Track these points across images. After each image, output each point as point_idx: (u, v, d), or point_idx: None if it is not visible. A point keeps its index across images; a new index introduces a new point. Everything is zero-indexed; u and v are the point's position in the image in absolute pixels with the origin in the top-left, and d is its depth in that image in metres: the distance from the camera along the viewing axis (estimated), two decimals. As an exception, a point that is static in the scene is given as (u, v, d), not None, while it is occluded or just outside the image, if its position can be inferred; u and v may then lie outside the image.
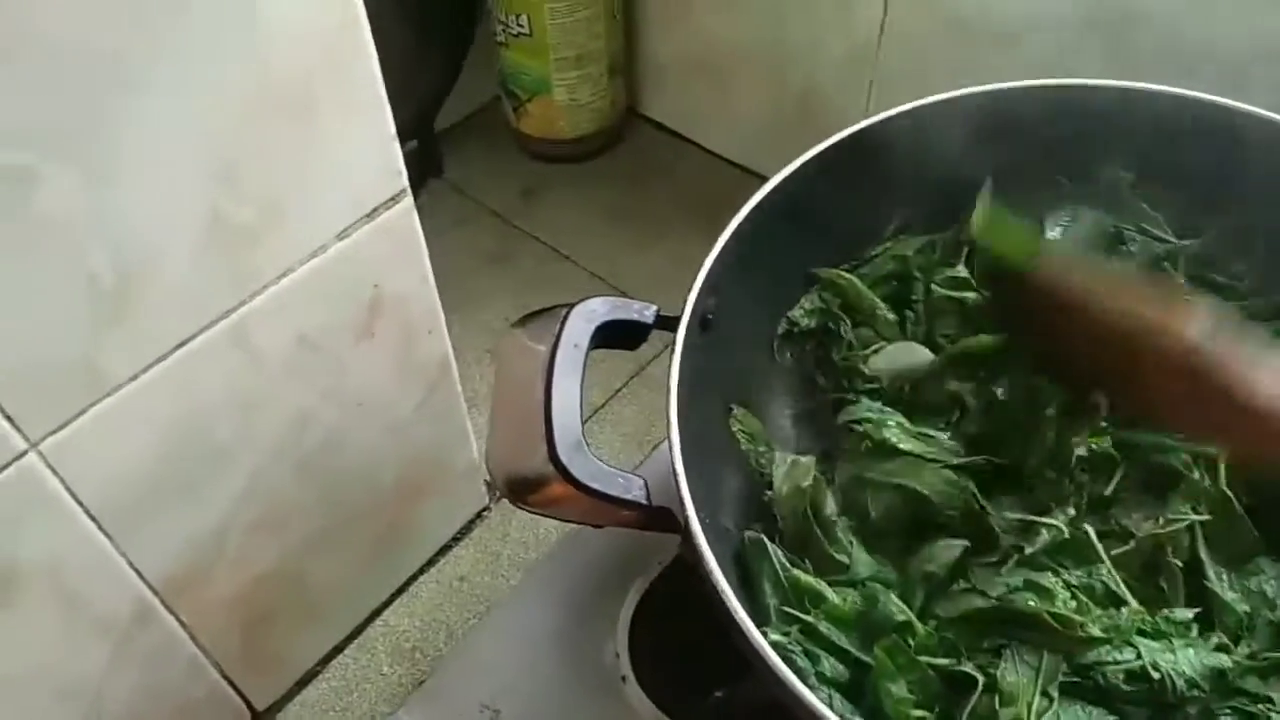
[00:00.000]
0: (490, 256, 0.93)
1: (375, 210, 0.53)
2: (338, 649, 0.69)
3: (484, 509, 0.76)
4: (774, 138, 0.92)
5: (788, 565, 0.47)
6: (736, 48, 0.91)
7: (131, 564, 0.51)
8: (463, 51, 0.95)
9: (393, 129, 0.51)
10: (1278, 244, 0.55)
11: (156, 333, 0.46)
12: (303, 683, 0.68)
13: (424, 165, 0.97)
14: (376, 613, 0.71)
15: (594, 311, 0.50)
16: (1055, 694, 0.43)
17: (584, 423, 0.81)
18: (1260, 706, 0.43)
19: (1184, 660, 0.44)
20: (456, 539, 0.75)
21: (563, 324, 0.49)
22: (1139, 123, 0.57)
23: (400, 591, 0.72)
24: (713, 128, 0.99)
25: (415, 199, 0.96)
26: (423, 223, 0.95)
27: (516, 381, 0.48)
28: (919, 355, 0.57)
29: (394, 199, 0.53)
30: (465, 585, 0.73)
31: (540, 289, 0.90)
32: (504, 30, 0.91)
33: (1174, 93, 0.56)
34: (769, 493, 0.52)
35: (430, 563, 0.74)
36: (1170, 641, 0.45)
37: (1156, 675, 0.43)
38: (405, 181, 0.53)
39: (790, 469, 0.52)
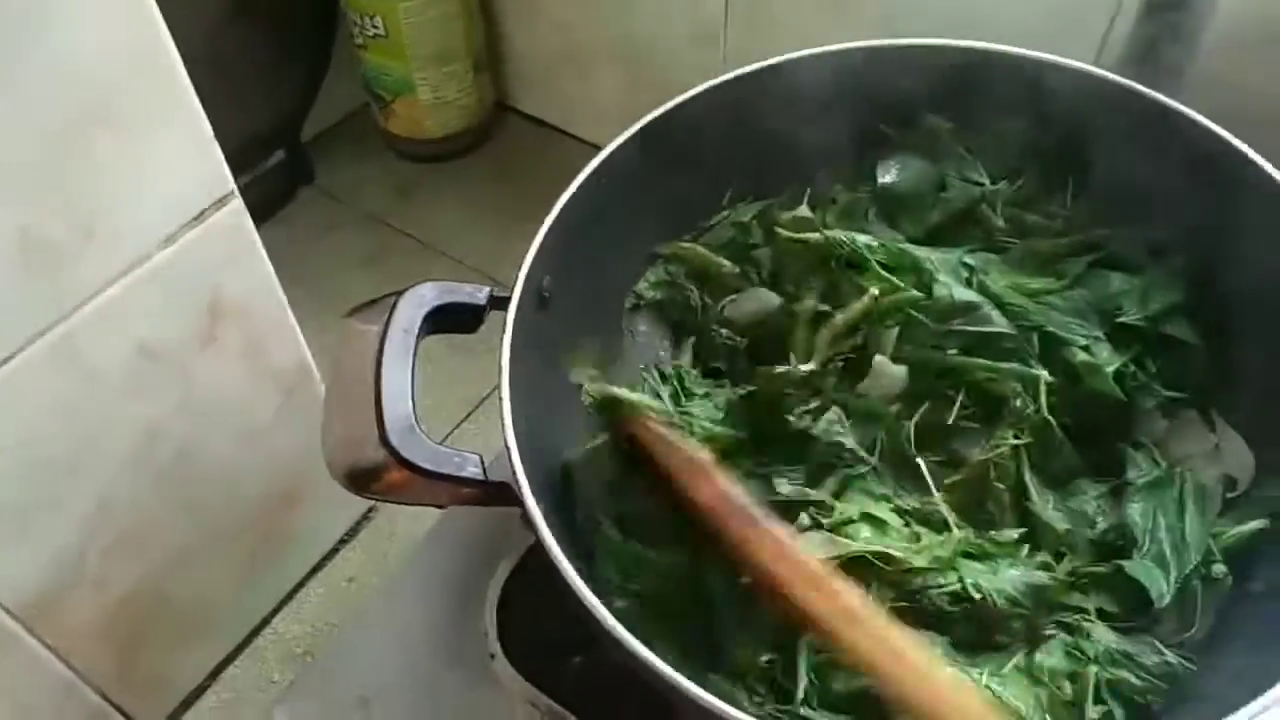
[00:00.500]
0: (365, 258, 0.93)
1: (202, 214, 0.53)
2: (227, 660, 0.69)
3: (370, 510, 0.76)
4: (639, 119, 0.93)
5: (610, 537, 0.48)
6: (594, 36, 0.92)
7: (-20, 590, 0.50)
8: (323, 59, 0.95)
9: (209, 131, 0.51)
10: (1085, 185, 0.58)
11: (-30, 355, 0.45)
12: (191, 698, 0.68)
13: (293, 173, 0.96)
14: (265, 621, 0.71)
15: (423, 297, 0.50)
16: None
17: (470, 414, 0.83)
18: (1077, 617, 0.46)
19: (1006, 580, 0.46)
20: (344, 541, 0.75)
21: (392, 310, 0.49)
22: (952, 75, 0.59)
23: (288, 598, 0.72)
24: (580, 116, 1.00)
25: (286, 207, 0.96)
26: (296, 230, 0.96)
27: (348, 372, 0.48)
28: (768, 299, 0.59)
29: (221, 201, 0.53)
30: (354, 586, 0.73)
31: None
32: (360, 32, 0.91)
33: (982, 47, 0.58)
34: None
35: (318, 567, 0.74)
36: (995, 563, 0.47)
37: (978, 596, 0.45)
38: (231, 183, 0.53)
39: None
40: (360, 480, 0.47)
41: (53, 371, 0.48)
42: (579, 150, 1.00)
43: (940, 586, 0.45)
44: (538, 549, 0.57)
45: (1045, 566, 0.47)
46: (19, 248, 0.45)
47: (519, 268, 0.52)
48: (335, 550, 0.74)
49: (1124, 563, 0.47)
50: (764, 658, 0.45)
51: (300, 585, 0.72)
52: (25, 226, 0.45)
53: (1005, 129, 0.59)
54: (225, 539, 0.64)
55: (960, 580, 0.45)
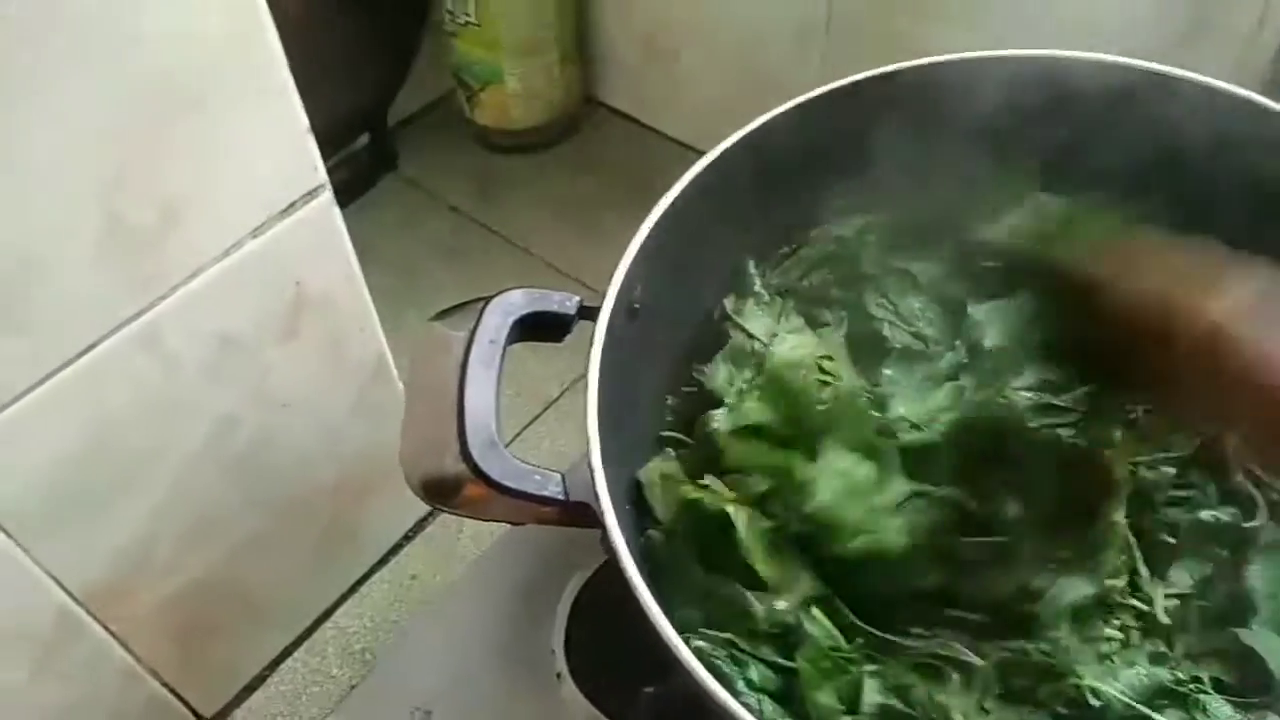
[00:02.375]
0: (446, 250, 0.92)
1: (292, 206, 0.51)
2: (286, 652, 0.69)
3: (437, 507, 0.75)
4: (730, 121, 0.91)
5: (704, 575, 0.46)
6: (688, 31, 0.89)
7: (51, 574, 0.50)
8: (413, 43, 0.94)
9: (305, 122, 0.50)
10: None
11: (58, 340, 0.44)
12: (250, 688, 0.67)
13: (377, 160, 0.96)
14: (326, 614, 0.70)
15: (513, 304, 0.49)
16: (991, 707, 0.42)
17: (540, 415, 0.81)
18: (1191, 687, 0.42)
19: (1125, 681, 0.42)
20: (408, 538, 0.74)
21: (479, 318, 0.48)
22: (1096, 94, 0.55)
23: (350, 592, 0.71)
24: (670, 113, 0.98)
25: (369, 194, 0.96)
26: (378, 218, 0.95)
27: (430, 379, 0.46)
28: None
29: (311, 194, 0.52)
30: (417, 584, 0.72)
31: (496, 283, 0.87)
32: (452, 20, 0.90)
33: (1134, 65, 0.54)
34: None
35: (381, 562, 0.73)
36: (1111, 663, 0.43)
37: (1098, 703, 0.42)
38: (324, 176, 0.52)
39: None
40: (436, 491, 0.46)
41: (135, 360, 0.48)
42: (666, 148, 0.98)
43: (1055, 689, 0.42)
44: (611, 567, 0.55)
45: (1160, 657, 0.44)
46: (107, 233, 0.44)
47: (611, 277, 0.50)
48: (399, 546, 0.73)
49: (1240, 631, 0.43)
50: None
51: (362, 580, 0.71)
52: (115, 212, 0.44)
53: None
54: (292, 530, 0.63)
55: (1077, 685, 0.42)
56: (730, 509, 0.46)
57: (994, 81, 0.56)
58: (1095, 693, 0.41)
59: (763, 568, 0.45)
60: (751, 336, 0.55)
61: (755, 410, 0.51)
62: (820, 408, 0.50)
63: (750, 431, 0.50)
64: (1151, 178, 0.54)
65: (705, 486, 0.48)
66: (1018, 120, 0.57)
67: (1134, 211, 0.53)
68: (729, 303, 0.57)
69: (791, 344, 0.54)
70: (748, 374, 0.54)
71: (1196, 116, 0.53)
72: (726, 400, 0.52)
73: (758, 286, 0.57)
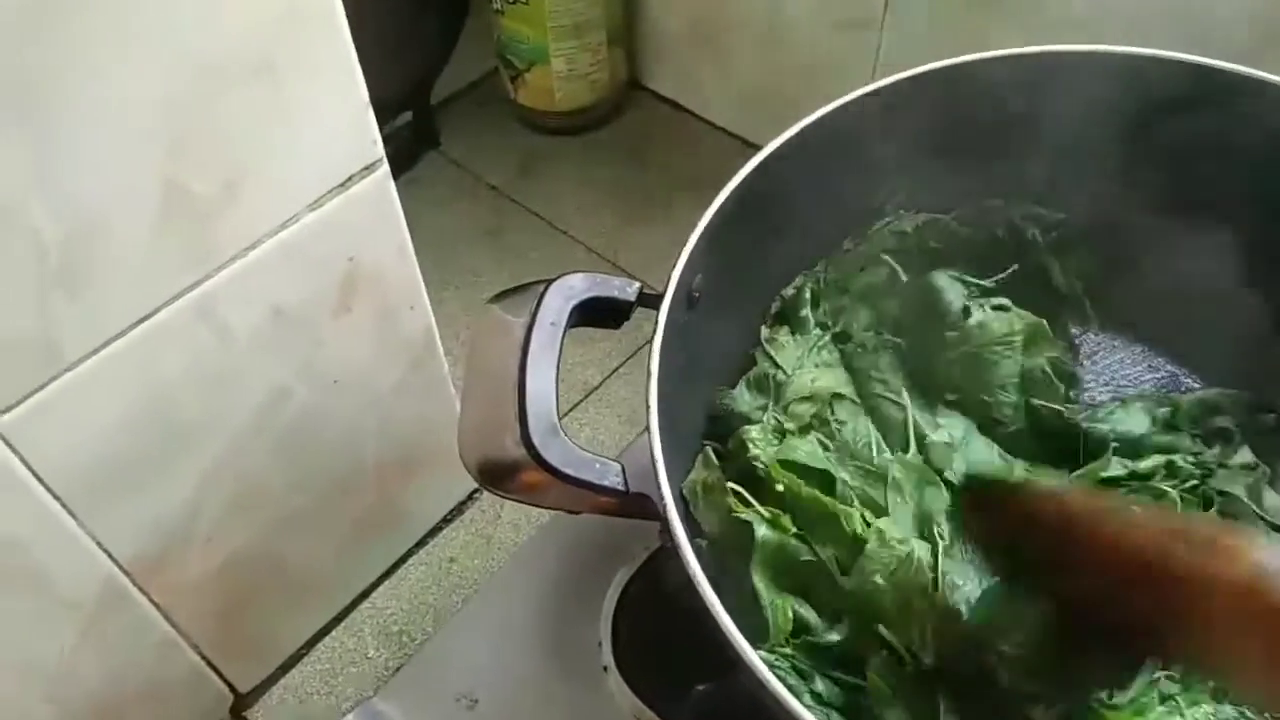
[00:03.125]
0: (487, 230, 0.91)
1: (349, 180, 0.50)
2: (324, 631, 0.68)
3: (476, 490, 0.74)
4: (778, 110, 0.89)
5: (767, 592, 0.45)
6: (737, 17, 0.88)
7: (99, 543, 0.49)
8: (459, 20, 0.93)
9: (365, 95, 0.49)
10: None
11: (115, 308, 0.44)
12: (287, 665, 0.67)
13: (420, 137, 0.95)
14: (364, 594, 0.70)
15: (573, 288, 0.48)
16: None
17: (579, 403, 0.81)
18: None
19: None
20: (447, 520, 0.73)
21: (540, 301, 0.47)
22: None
23: (389, 573, 0.71)
24: (715, 100, 0.96)
25: (410, 172, 0.95)
26: (419, 196, 0.94)
27: (490, 361, 0.46)
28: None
29: (369, 168, 0.51)
30: (455, 568, 0.71)
31: (537, 264, 0.88)
32: (500, -2, 0.89)
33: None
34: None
35: (420, 544, 0.72)
36: (1175, 703, 0.42)
37: None
38: (381, 150, 0.51)
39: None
40: (493, 476, 0.45)
41: (191, 330, 0.47)
42: (710, 135, 0.97)
43: None
44: (659, 559, 0.54)
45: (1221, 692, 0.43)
46: (168, 202, 0.43)
47: (659, 257, 0.49)
48: (438, 529, 0.72)
49: None
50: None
51: (401, 561, 0.71)
52: (176, 181, 0.43)
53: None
54: (334, 507, 0.63)
55: None
56: (760, 529, 0.44)
57: (1062, 80, 0.55)
58: None
59: (764, 594, 0.43)
60: (777, 366, 0.54)
61: (803, 451, 0.49)
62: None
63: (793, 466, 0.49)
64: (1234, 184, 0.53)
65: (747, 503, 0.46)
66: (1085, 122, 0.56)
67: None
68: (764, 330, 0.56)
69: (811, 376, 0.53)
70: (765, 401, 0.53)
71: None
72: (753, 420, 0.51)
73: (804, 312, 0.56)
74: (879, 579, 0.44)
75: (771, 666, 0.39)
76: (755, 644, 0.38)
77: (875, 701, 0.40)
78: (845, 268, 0.58)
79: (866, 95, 0.54)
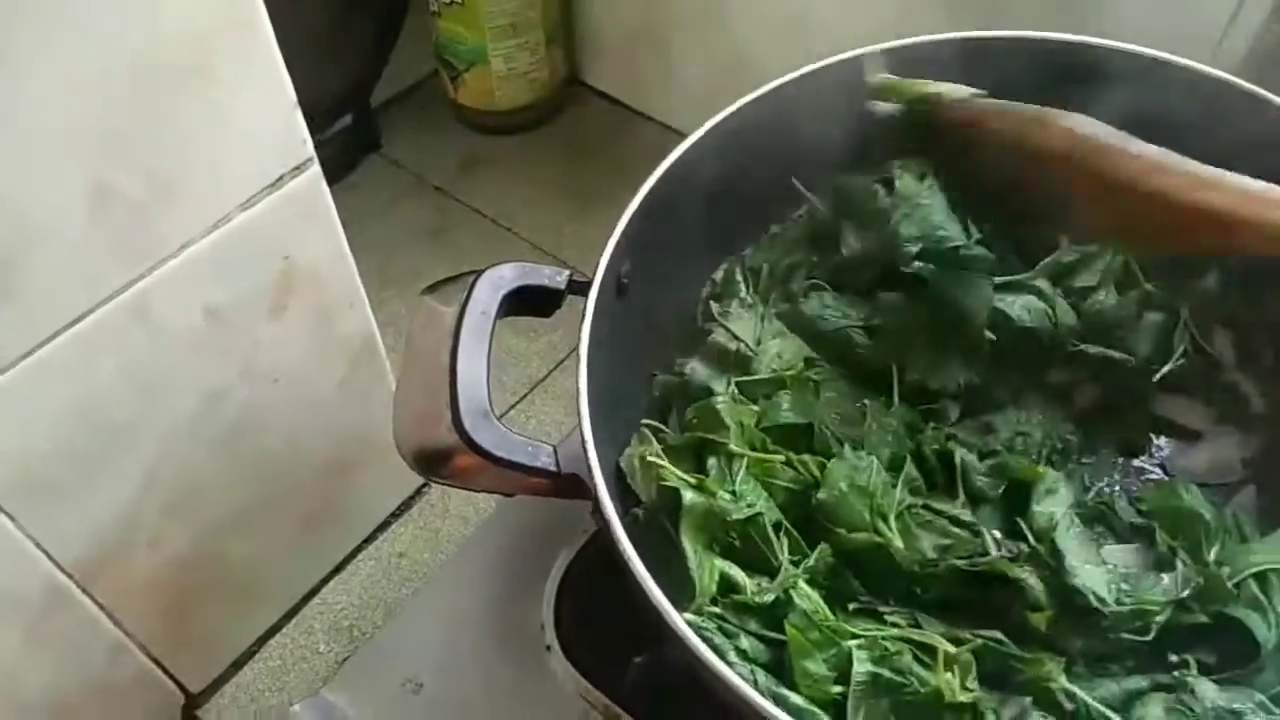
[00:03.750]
0: (430, 231, 0.92)
1: (280, 179, 0.51)
2: (274, 629, 0.69)
3: (423, 485, 0.75)
4: (715, 104, 0.91)
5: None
6: (674, 13, 0.89)
7: (39, 545, 0.50)
8: (396, 21, 0.93)
9: (293, 95, 0.50)
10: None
11: (46, 310, 0.44)
12: (239, 663, 0.67)
13: (360, 140, 0.95)
14: (314, 591, 0.70)
15: (503, 277, 0.49)
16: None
17: (525, 395, 0.82)
18: (1179, 673, 0.43)
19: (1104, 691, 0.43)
20: (395, 515, 0.74)
21: (470, 290, 0.48)
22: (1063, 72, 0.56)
23: (338, 570, 0.71)
24: (655, 95, 0.98)
25: (353, 174, 0.95)
26: (361, 197, 0.95)
27: (423, 350, 0.47)
28: None
29: (299, 168, 0.52)
30: (404, 562, 0.72)
31: (481, 262, 0.87)
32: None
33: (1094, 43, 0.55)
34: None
35: (368, 540, 0.73)
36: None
37: (1070, 706, 0.43)
38: (311, 150, 0.52)
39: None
40: (428, 462, 0.46)
41: (123, 332, 0.48)
42: (651, 131, 0.98)
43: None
44: (599, 540, 0.55)
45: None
46: (97, 203, 0.44)
47: (601, 252, 0.50)
48: (387, 524, 0.73)
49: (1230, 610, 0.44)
50: (838, 689, 0.43)
51: (351, 557, 0.72)
52: (105, 182, 0.44)
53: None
54: (280, 506, 0.63)
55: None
56: (686, 494, 0.46)
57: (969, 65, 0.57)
58: (1069, 695, 0.42)
59: (692, 558, 0.45)
60: (736, 338, 0.55)
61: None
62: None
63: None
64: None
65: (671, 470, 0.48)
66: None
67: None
68: (715, 306, 0.57)
69: (776, 350, 0.54)
70: (725, 373, 0.54)
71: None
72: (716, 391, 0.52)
73: (743, 293, 0.58)
74: (843, 485, 0.47)
75: (698, 628, 0.40)
76: (683, 607, 0.39)
77: (794, 653, 0.42)
78: (770, 252, 0.59)
79: (787, 83, 0.56)
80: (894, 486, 0.48)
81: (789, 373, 0.53)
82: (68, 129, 0.41)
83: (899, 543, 0.46)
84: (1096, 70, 0.54)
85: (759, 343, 0.55)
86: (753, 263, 0.59)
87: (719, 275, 0.59)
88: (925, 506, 0.49)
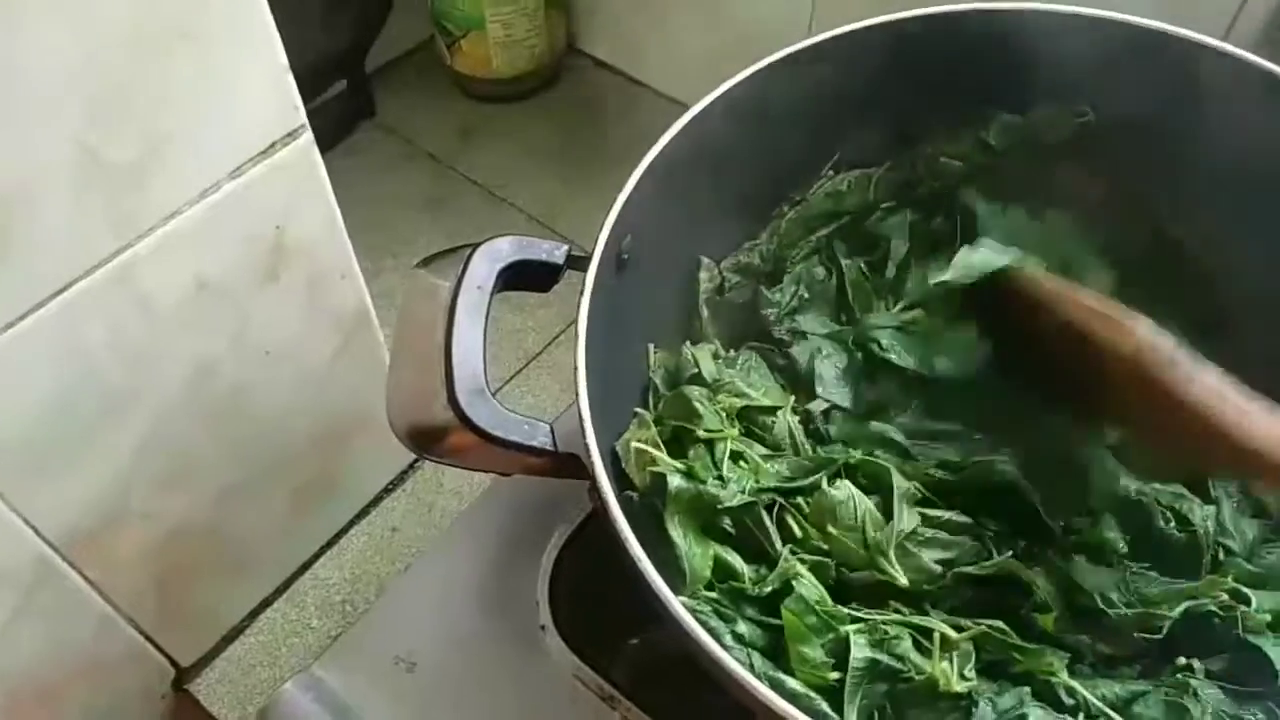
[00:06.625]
0: (426, 200, 0.90)
1: (272, 147, 0.50)
2: (266, 603, 0.68)
3: (417, 459, 0.74)
4: (716, 72, 0.89)
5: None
6: (675, -21, 0.88)
7: (26, 520, 0.49)
8: (391, -13, 0.91)
9: (285, 61, 0.48)
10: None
11: (32, 279, 0.43)
12: (229, 638, 0.67)
13: (354, 106, 0.94)
14: (306, 566, 0.70)
15: (500, 251, 0.48)
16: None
17: (521, 370, 0.81)
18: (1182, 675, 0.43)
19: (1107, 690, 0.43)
20: (389, 490, 0.73)
21: (466, 264, 0.47)
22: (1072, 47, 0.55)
23: (330, 544, 0.71)
24: (654, 63, 0.96)
25: (347, 140, 0.93)
26: (356, 165, 0.93)
27: (417, 325, 0.46)
28: None
29: (291, 135, 0.50)
30: (397, 537, 0.71)
31: (477, 233, 0.86)
32: (433, -38, 0.88)
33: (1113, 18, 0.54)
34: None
35: (361, 514, 0.72)
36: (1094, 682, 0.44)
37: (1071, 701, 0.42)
38: (304, 117, 0.51)
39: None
40: (423, 439, 0.45)
41: (110, 302, 0.46)
42: (650, 100, 0.96)
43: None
44: (595, 519, 0.55)
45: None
46: (84, 169, 0.42)
47: (600, 224, 0.49)
48: (379, 499, 0.73)
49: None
50: (835, 675, 0.43)
51: (343, 532, 0.71)
52: (92, 148, 0.42)
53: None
54: (272, 479, 0.62)
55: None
56: (673, 480, 0.45)
57: (982, 35, 0.56)
58: (1070, 691, 0.42)
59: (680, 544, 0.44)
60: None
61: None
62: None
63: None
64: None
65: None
66: (1010, 74, 0.57)
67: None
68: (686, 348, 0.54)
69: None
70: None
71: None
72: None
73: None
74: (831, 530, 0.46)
75: (694, 612, 0.40)
76: (679, 591, 0.38)
77: (791, 637, 0.41)
78: (787, 236, 0.58)
79: (792, 54, 0.54)
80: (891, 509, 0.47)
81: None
82: (53, 92, 0.40)
83: (903, 581, 0.45)
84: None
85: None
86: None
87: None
88: (922, 520, 0.48)
